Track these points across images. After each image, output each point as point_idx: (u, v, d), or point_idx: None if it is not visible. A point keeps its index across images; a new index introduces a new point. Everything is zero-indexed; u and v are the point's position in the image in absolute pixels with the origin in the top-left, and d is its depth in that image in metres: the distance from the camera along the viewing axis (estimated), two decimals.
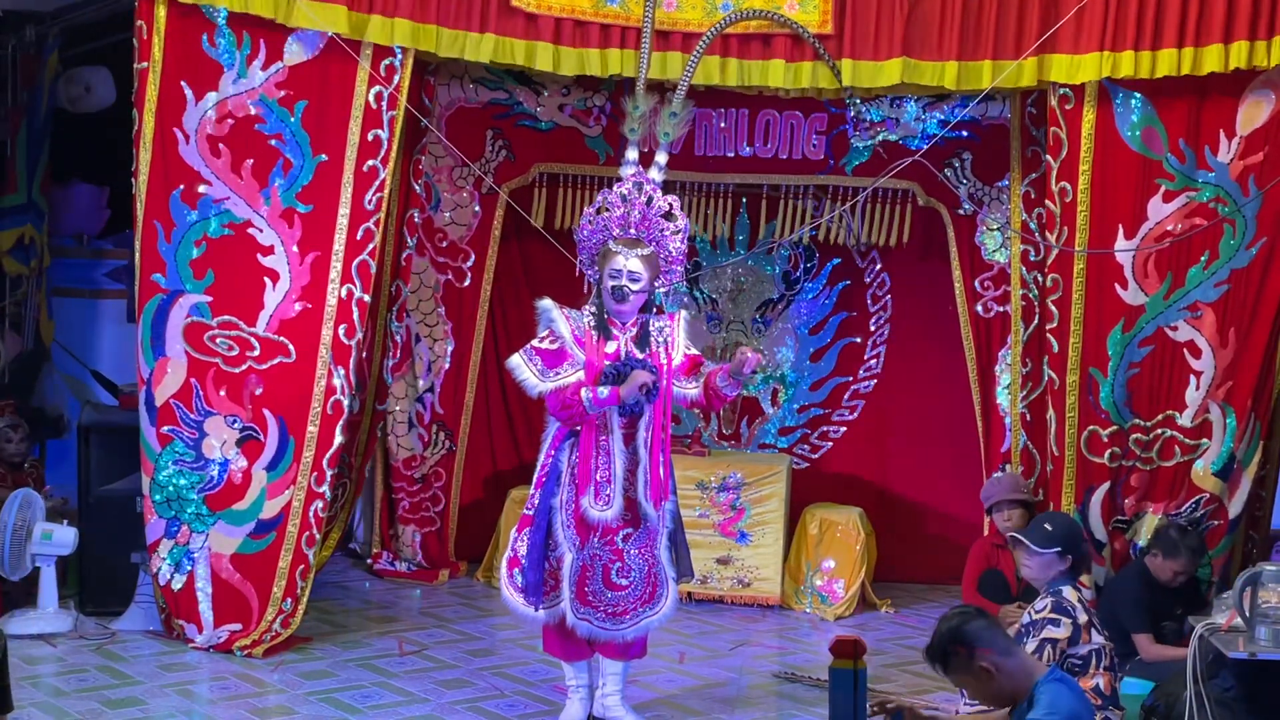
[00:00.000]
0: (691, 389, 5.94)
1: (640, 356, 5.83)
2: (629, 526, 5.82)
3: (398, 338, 8.42)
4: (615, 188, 6.02)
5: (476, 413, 8.93)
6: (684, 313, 6.23)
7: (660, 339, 5.94)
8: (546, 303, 5.97)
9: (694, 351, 6.04)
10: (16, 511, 7.07)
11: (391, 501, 8.74)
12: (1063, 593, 5.49)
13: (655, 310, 6.06)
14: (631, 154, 6.15)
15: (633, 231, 5.95)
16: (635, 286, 5.84)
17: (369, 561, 8.76)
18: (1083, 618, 5.44)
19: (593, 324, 5.90)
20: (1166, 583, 6.53)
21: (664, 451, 5.88)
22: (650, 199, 5.97)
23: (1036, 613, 5.45)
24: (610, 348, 5.87)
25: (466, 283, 8.71)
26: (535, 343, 5.89)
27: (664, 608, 5.91)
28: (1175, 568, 6.50)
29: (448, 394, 8.75)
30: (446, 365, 8.74)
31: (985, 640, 4.24)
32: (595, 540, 5.83)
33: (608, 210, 5.99)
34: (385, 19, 6.75)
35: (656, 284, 6.01)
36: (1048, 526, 5.77)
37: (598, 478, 5.81)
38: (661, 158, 6.24)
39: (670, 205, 6.01)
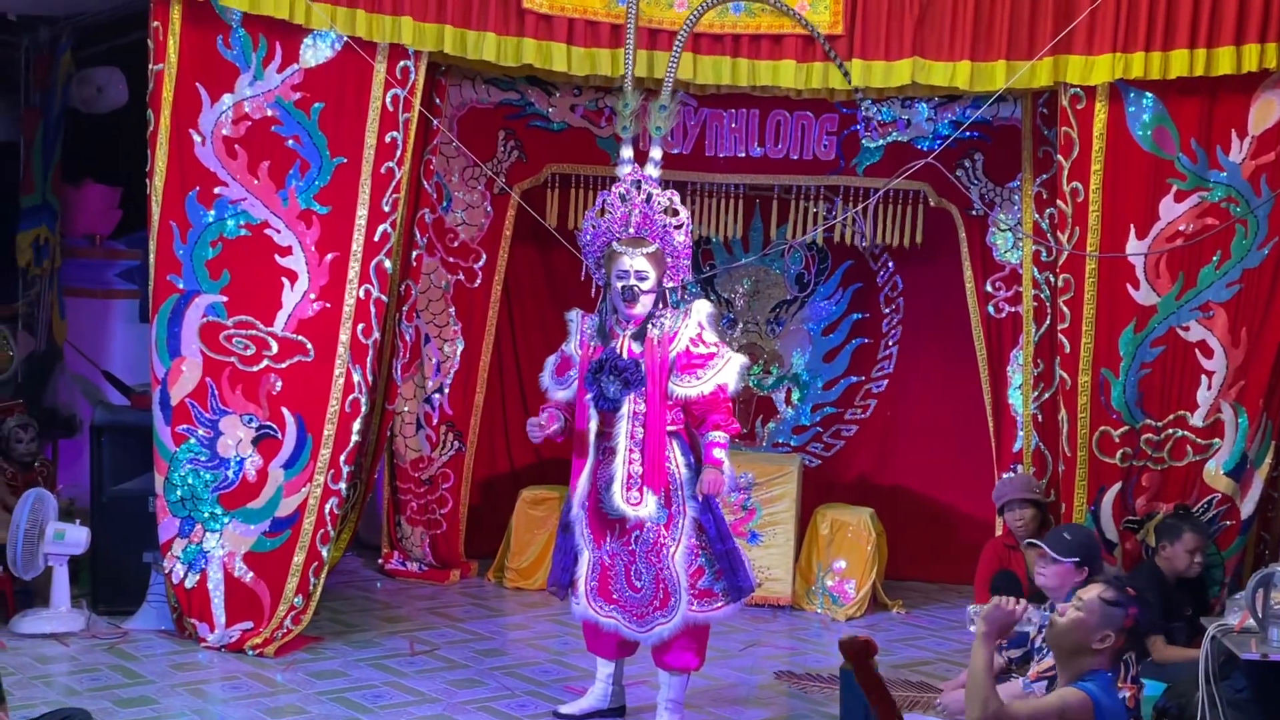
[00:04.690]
0: (684, 388, 5.77)
1: (637, 354, 5.78)
2: (638, 528, 5.77)
3: (407, 337, 8.41)
4: (614, 188, 5.98)
5: (488, 412, 8.93)
6: (700, 304, 5.99)
7: (659, 333, 5.82)
8: (573, 314, 6.09)
9: (703, 350, 5.81)
10: (29, 511, 7.08)
11: (398, 503, 8.74)
12: None
13: (664, 305, 5.91)
14: (626, 152, 6.09)
15: (634, 230, 5.88)
16: (644, 285, 5.79)
17: (380, 562, 8.77)
18: None
19: (595, 328, 5.92)
20: (1183, 571, 6.49)
21: (650, 448, 5.72)
22: (649, 196, 5.89)
23: None
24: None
25: (477, 283, 8.70)
26: (563, 346, 6.07)
27: (674, 618, 5.76)
28: (1188, 547, 6.47)
29: (457, 394, 8.74)
30: (456, 366, 8.73)
31: (1137, 637, 4.17)
32: (613, 539, 5.83)
33: (608, 212, 5.94)
34: (400, 20, 6.75)
35: (666, 281, 5.92)
36: (1066, 536, 5.74)
37: (582, 475, 5.85)
38: (656, 153, 6.10)
39: (670, 200, 5.93)
